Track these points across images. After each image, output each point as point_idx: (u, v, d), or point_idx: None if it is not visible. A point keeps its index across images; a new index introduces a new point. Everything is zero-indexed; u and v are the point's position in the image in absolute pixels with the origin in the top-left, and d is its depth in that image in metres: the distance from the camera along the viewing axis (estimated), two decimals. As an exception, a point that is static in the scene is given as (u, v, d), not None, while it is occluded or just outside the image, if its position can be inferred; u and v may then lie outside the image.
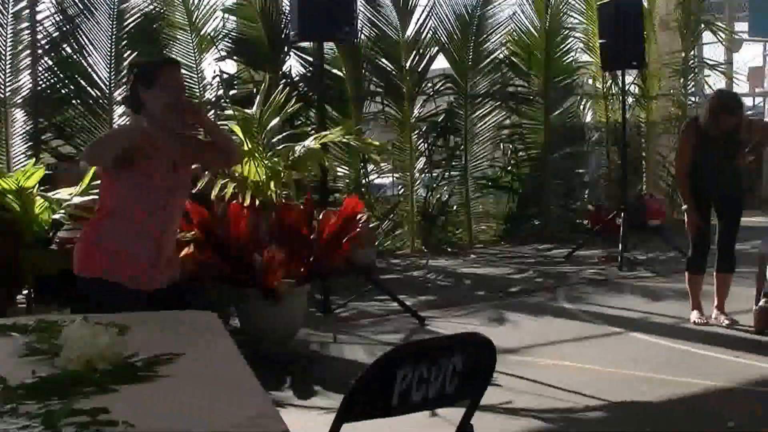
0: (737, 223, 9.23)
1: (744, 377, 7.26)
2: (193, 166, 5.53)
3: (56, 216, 8.40)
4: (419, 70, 15.07)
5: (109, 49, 12.79)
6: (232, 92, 13.71)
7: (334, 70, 14.58)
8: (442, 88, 15.51)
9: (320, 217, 9.10)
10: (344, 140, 9.72)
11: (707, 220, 9.14)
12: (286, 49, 14.17)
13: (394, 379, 3.14)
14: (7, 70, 12.21)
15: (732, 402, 6.72)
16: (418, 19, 15.04)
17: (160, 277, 5.23)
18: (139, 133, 5.11)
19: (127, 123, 5.20)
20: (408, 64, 14.92)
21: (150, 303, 5.07)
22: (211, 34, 13.69)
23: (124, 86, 5.51)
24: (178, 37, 13.53)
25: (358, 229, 9.20)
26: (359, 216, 9.34)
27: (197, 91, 13.34)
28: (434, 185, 15.42)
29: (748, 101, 21.84)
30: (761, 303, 8.75)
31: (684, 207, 9.18)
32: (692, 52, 17.59)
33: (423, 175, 15.50)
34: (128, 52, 12.79)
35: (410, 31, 14.91)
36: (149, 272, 5.18)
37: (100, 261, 5.13)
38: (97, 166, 5.36)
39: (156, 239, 5.21)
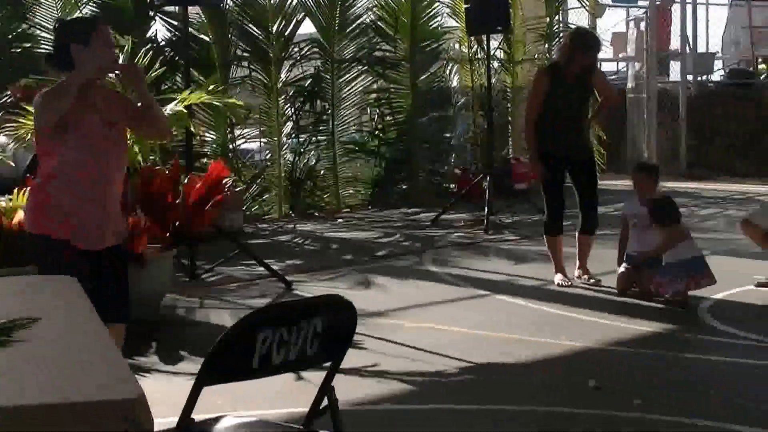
0: (595, 183, 9.36)
1: (606, 337, 7.37)
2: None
3: None
4: (286, 35, 14.96)
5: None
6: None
7: (201, 35, 14.40)
8: (308, 53, 15.42)
9: (186, 182, 8.98)
10: (209, 101, 9.60)
11: (561, 180, 9.23)
12: (151, 13, 13.94)
13: (255, 341, 3.10)
14: None
15: (594, 362, 6.82)
16: (285, -16, 14.91)
17: (107, 236, 5.22)
18: (74, 94, 5.04)
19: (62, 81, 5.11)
20: (275, 29, 14.79)
21: (98, 261, 5.13)
22: (75, -3, 13.40)
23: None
24: (42, 0, 13.20)
25: (223, 194, 9.11)
26: (225, 180, 9.25)
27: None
28: (301, 150, 15.35)
29: (611, 67, 22.17)
30: (624, 265, 8.90)
31: (530, 156, 9.28)
32: (557, 18, 17.78)
33: (290, 140, 15.41)
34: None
35: (277, -5, 14.78)
36: (96, 231, 5.17)
37: (47, 221, 5.13)
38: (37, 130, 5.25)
39: (99, 198, 5.18)
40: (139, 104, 5.38)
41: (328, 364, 3.52)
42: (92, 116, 5.17)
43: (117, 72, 5.52)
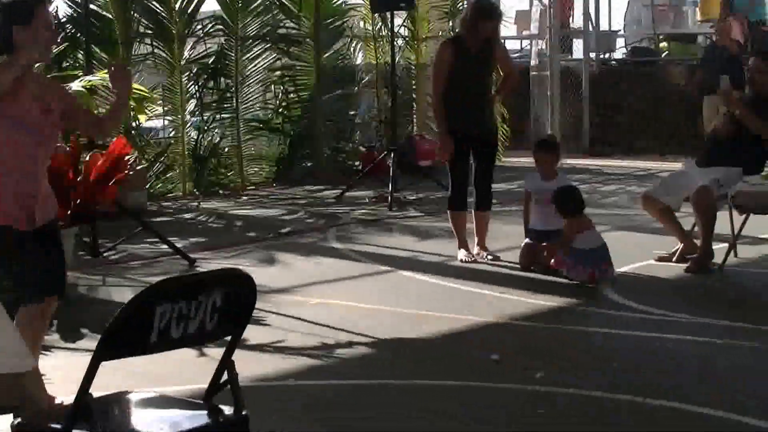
0: (493, 159, 9.45)
1: (509, 312, 7.44)
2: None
3: None
4: (189, 11, 14.82)
5: None
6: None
7: (103, 12, 14.22)
8: (212, 30, 15.31)
9: (87, 159, 8.88)
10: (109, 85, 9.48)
11: (466, 156, 9.30)
12: (52, -11, 13.75)
13: (153, 316, 3.09)
14: None
15: (497, 336, 6.89)
16: (188, -40, 14.77)
17: (39, 215, 5.16)
18: (16, 74, 4.98)
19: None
20: (178, 6, 14.64)
21: (33, 241, 5.12)
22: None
23: None
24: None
25: (126, 171, 9.02)
26: (127, 158, 9.16)
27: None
28: (205, 128, 15.24)
29: (515, 45, 22.33)
30: (526, 240, 8.99)
31: (438, 131, 9.32)
32: (460, -5, 17.85)
33: (194, 118, 15.29)
34: None
35: (179, -29, 14.64)
36: (29, 212, 5.11)
37: None
38: None
39: (32, 180, 5.13)
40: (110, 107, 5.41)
41: (228, 338, 3.51)
42: (28, 102, 5.10)
43: (110, 68, 5.49)
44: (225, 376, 3.53)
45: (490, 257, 9.29)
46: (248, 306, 3.43)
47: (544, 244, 8.72)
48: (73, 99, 5.49)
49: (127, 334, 3.09)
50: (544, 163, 9.12)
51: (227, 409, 3.52)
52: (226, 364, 3.48)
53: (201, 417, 3.48)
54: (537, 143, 9.52)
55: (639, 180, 15.08)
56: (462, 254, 9.33)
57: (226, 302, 3.29)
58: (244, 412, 3.49)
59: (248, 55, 15.40)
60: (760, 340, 6.39)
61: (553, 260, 8.50)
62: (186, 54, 14.97)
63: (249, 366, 6.05)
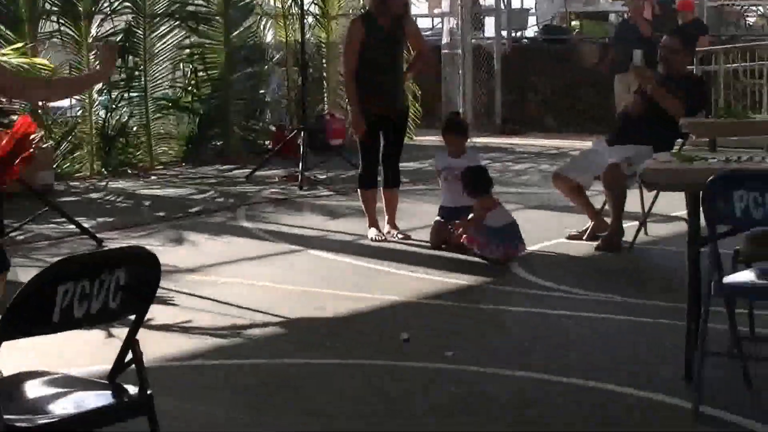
0: (403, 138, 9.48)
1: (419, 291, 7.49)
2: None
3: None
4: (96, -12, 14.66)
5: None
6: None
7: (9, -11, 14.02)
8: (119, 7, 15.13)
9: (-10, 137, 8.75)
10: (17, 63, 9.39)
11: (377, 134, 9.32)
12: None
13: (55, 294, 3.07)
14: None
15: (407, 315, 6.93)
16: (93, -66, 14.59)
17: None
18: None
19: None
20: (84, -18, 14.48)
21: None
22: None
23: None
24: None
25: (31, 150, 8.90)
26: (33, 137, 9.03)
27: None
28: (113, 106, 15.08)
29: (426, 23, 22.40)
30: (436, 218, 9.04)
31: (350, 109, 9.35)
32: (371, -27, 17.82)
33: (102, 96, 15.13)
34: None
35: (85, -54, 14.46)
36: None
37: None
38: None
39: None
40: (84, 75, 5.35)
41: (132, 317, 3.51)
42: None
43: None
44: (130, 356, 3.52)
45: (400, 236, 9.33)
46: (152, 284, 3.42)
47: (456, 221, 8.78)
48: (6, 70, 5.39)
49: (29, 314, 3.07)
50: (453, 142, 9.19)
51: (132, 389, 3.52)
52: (131, 343, 3.47)
53: (105, 396, 3.47)
54: (445, 124, 9.57)
55: (551, 159, 15.21)
56: (372, 233, 9.37)
57: (130, 280, 3.28)
58: (148, 392, 3.49)
59: (156, 32, 15.25)
60: (666, 317, 6.50)
61: (464, 238, 8.56)
62: (93, 32, 14.79)
63: (157, 346, 6.04)
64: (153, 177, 14.09)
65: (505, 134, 18.89)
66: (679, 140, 9.19)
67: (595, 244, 8.85)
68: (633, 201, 8.99)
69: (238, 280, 7.95)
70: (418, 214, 10.12)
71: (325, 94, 17.48)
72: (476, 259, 8.42)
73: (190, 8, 15.80)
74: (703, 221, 4.95)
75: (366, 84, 9.16)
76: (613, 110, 13.15)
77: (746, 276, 5.04)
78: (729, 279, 4.93)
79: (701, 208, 4.91)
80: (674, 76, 9.04)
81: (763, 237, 5.36)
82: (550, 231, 9.49)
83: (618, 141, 9.03)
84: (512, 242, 8.43)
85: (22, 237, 9.61)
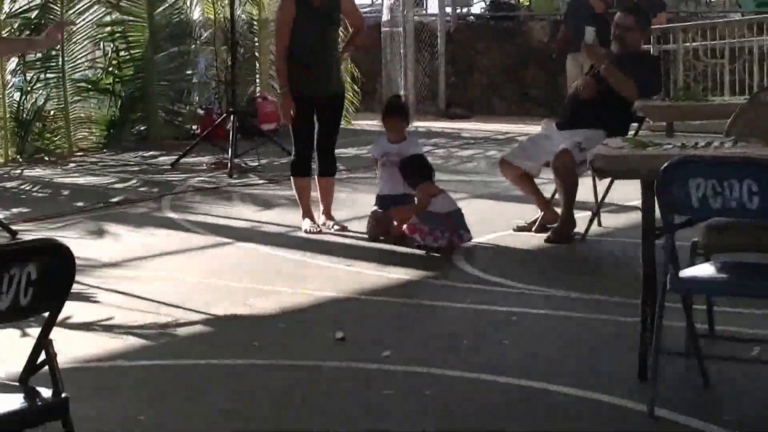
0: (338, 122, 9.49)
1: (355, 286, 7.49)
2: None
3: None
4: (9, -39, 14.52)
5: None
6: None
7: None
8: (34, -20, 15.03)
9: None
10: None
11: (311, 117, 9.31)
12: None
13: (-40, 290, 3.05)
14: None
15: (342, 312, 6.93)
16: None
17: None
18: None
19: None
20: (-4, -45, 14.35)
21: None
22: None
23: None
24: None
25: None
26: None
27: None
28: (29, 89, 14.96)
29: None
30: (374, 208, 9.05)
31: (280, 90, 9.33)
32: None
33: (15, 78, 15.01)
34: None
35: None
36: None
37: None
38: None
39: None
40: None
41: (46, 315, 3.48)
42: None
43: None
44: (43, 356, 3.50)
45: (336, 227, 9.33)
46: (66, 279, 3.39)
47: (394, 208, 8.79)
48: None
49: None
50: (393, 127, 9.20)
51: (46, 392, 3.49)
52: (44, 342, 3.44)
53: (15, 400, 3.45)
54: (384, 107, 9.58)
55: (498, 144, 15.29)
56: (306, 224, 9.36)
57: (42, 275, 3.25)
58: (63, 395, 3.46)
59: (75, 9, 15.14)
60: (620, 313, 6.55)
61: (405, 228, 8.57)
62: (6, 8, 14.66)
63: (76, 345, 6.01)
64: (71, 164, 14.00)
65: (449, 118, 18.95)
66: (634, 125, 9.26)
67: (544, 236, 8.89)
68: (585, 190, 9.05)
69: (163, 275, 7.92)
70: (356, 204, 10.13)
71: (257, 75, 17.46)
72: (417, 252, 8.43)
73: (111, -18, 15.70)
74: (658, 212, 4.97)
75: (298, 64, 9.14)
76: (565, 92, 13.21)
77: (704, 270, 5.08)
78: (686, 273, 4.96)
79: (656, 198, 4.93)
80: (629, 55, 9.09)
81: (724, 228, 5.38)
82: (497, 222, 9.53)
83: (569, 125, 9.07)
84: (457, 231, 8.46)
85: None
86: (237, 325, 6.66)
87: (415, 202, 8.73)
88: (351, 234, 9.21)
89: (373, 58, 17.92)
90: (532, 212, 9.29)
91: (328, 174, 9.45)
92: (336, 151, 9.54)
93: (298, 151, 9.38)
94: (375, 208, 9.06)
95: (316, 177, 9.44)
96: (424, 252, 8.42)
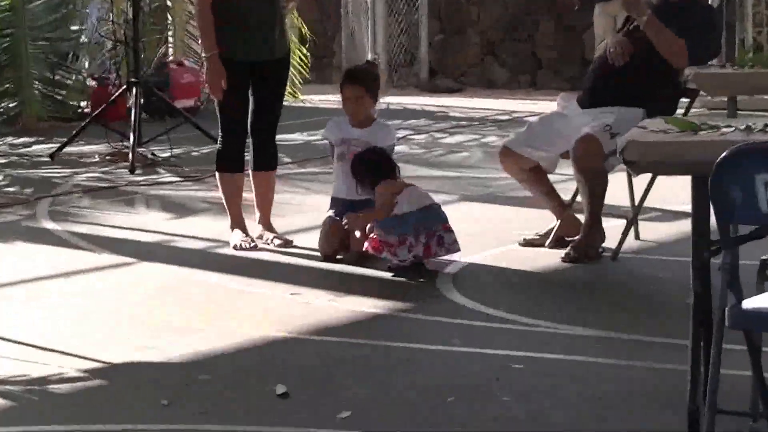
0: (281, 97, 9.47)
1: (302, 323, 7.46)
2: None
3: None
4: None
5: None
6: None
7: None
8: None
9: None
10: None
11: (245, 92, 9.32)
12: None
13: None
14: None
15: (284, 358, 6.90)
16: None
17: None
18: None
19: None
20: None
21: None
22: None
23: None
24: None
25: None
26: None
27: None
28: None
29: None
30: (329, 214, 9.04)
31: (205, 55, 9.31)
32: None
33: None
34: None
35: None
36: None
37: None
38: None
39: None
40: None
41: None
42: None
43: None
44: None
45: (277, 241, 9.33)
46: None
47: (350, 215, 8.77)
48: None
49: None
50: (355, 102, 9.18)
51: None
52: None
53: None
54: (345, 75, 9.57)
55: (499, 127, 15.33)
56: (237, 237, 9.35)
57: None
58: None
59: None
60: (662, 357, 6.54)
61: (368, 243, 8.55)
62: None
63: None
64: None
65: (433, 92, 18.96)
66: (684, 100, 9.27)
67: (562, 252, 8.90)
68: (617, 189, 9.06)
69: (37, 305, 7.91)
70: (305, 210, 10.13)
71: (170, 33, 17.42)
72: (386, 275, 8.43)
73: None
74: (714, 219, 4.95)
75: (227, 19, 9.13)
76: (590, 55, 13.24)
77: (776, 300, 5.06)
78: (751, 303, 4.94)
79: (710, 201, 4.91)
80: (677, 4, 9.09)
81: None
82: (496, 233, 9.56)
83: (594, 101, 9.06)
84: (436, 233, 8.45)
85: None
86: (139, 376, 6.63)
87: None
88: (297, 251, 9.20)
89: (330, 11, 17.90)
90: (544, 220, 9.31)
91: (266, 168, 9.44)
92: (278, 137, 9.53)
93: (227, 138, 9.37)
94: (330, 214, 9.05)
95: (250, 172, 9.43)
96: (399, 275, 8.41)
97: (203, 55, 9.50)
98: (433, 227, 8.48)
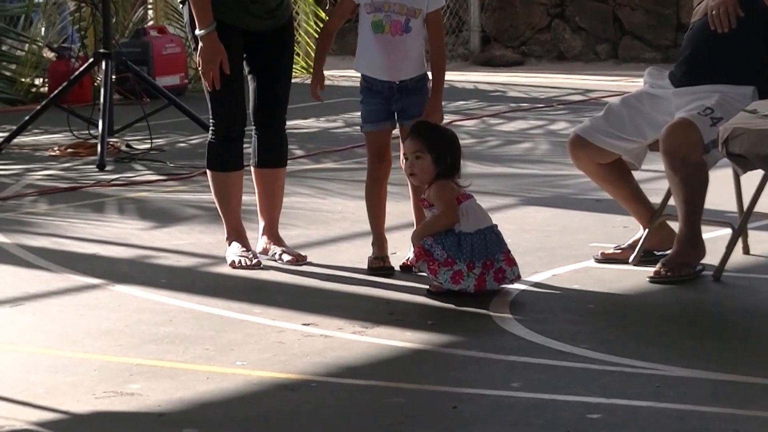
0: (286, 72, 9.49)
1: (318, 360, 7.48)
2: None
3: None
4: None
5: None
6: None
7: None
8: None
9: None
10: None
11: (239, 67, 9.39)
12: None
13: None
14: None
15: (297, 405, 6.91)
16: None
17: None
18: None
19: None
20: None
21: None
22: None
23: None
24: None
25: None
26: None
27: None
28: None
29: None
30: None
31: (199, 32, 9.32)
32: None
33: None
34: None
35: None
36: None
37: None
38: None
39: None
40: None
41: None
42: None
43: None
44: None
45: (286, 257, 9.36)
46: None
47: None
48: None
49: None
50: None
51: None
52: None
53: None
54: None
55: (573, 111, 15.34)
56: (235, 252, 9.38)
57: None
58: None
59: None
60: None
61: (411, 253, 8.60)
62: None
63: None
64: None
65: (487, 65, 18.99)
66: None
67: (650, 270, 8.92)
68: (721, 191, 9.06)
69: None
70: (321, 217, 10.16)
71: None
72: (424, 299, 8.44)
73: None
74: None
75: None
76: (685, 18, 13.25)
77: None
78: None
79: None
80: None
81: None
82: (567, 247, 9.57)
83: (692, 77, 9.07)
84: (494, 261, 8.48)
85: None
86: (106, 429, 6.66)
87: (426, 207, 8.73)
88: (312, 269, 9.23)
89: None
90: (628, 230, 9.32)
91: (274, 164, 9.47)
92: (288, 123, 9.56)
93: (220, 125, 9.40)
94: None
95: (252, 170, 9.46)
96: (436, 299, 8.43)
97: (197, 32, 9.43)
98: (494, 255, 8.50)
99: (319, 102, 9.31)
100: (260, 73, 9.36)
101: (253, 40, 9.29)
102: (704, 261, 8.92)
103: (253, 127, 9.42)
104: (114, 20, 14.40)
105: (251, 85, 9.35)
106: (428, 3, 9.01)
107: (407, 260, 8.75)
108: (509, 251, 8.57)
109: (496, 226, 8.64)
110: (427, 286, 8.53)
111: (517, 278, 8.60)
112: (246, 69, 9.35)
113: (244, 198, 9.52)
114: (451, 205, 8.58)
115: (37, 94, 15.51)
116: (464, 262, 8.44)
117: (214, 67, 9.19)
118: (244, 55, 9.33)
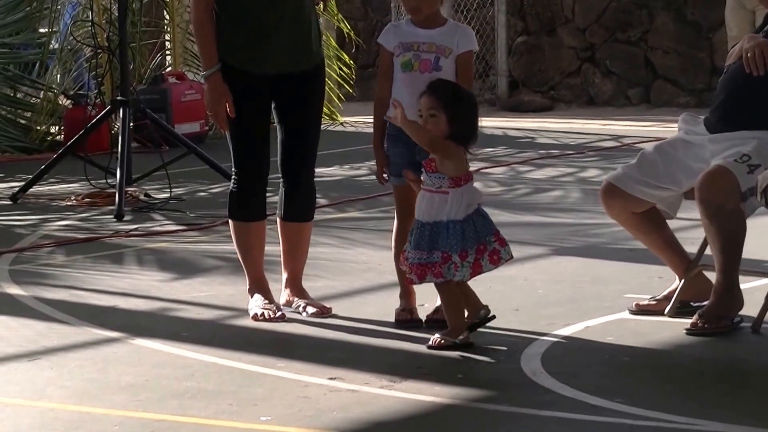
0: (315, 121, 9.48)
1: (344, 415, 7.48)
2: None
3: None
4: None
5: None
6: None
7: None
8: None
9: None
10: None
11: (264, 118, 9.38)
12: None
13: None
14: None
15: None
16: None
17: None
18: None
19: None
20: None
21: None
22: None
23: None
24: None
25: None
26: None
27: None
28: None
29: None
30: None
31: (203, 73, 9.32)
32: None
33: None
34: None
35: None
36: None
37: None
38: None
39: None
40: None
41: None
42: None
43: None
44: None
45: (310, 309, 9.35)
46: None
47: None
48: None
49: None
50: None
51: None
52: None
53: None
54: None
55: (604, 157, 15.32)
56: (257, 304, 9.37)
57: None
58: None
59: None
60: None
61: (407, 270, 8.63)
62: None
63: None
64: None
65: (515, 110, 18.99)
66: None
67: (687, 322, 8.90)
68: (760, 240, 9.04)
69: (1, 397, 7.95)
70: (347, 268, 10.15)
71: (167, 37, 17.53)
72: (452, 354, 8.44)
73: None
74: None
75: (237, 18, 9.20)
76: (719, 62, 13.24)
77: None
78: None
79: None
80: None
81: None
82: (600, 298, 9.55)
83: (728, 123, 9.07)
84: (487, 244, 8.48)
85: None
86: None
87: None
88: (337, 322, 9.23)
89: (380, 10, 17.99)
90: (663, 280, 9.31)
91: (299, 218, 9.47)
92: (315, 171, 9.58)
93: (243, 174, 9.40)
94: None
95: (278, 221, 9.46)
96: (465, 352, 8.44)
97: (201, 73, 9.46)
98: (485, 238, 8.51)
99: (381, 184, 9.36)
100: (288, 122, 9.36)
101: (281, 87, 9.28)
102: (742, 312, 8.89)
103: (281, 179, 9.41)
104: (131, 66, 14.42)
105: (279, 136, 9.34)
106: (458, 42, 9.01)
107: (434, 312, 8.74)
108: (498, 231, 8.58)
109: (480, 205, 8.63)
110: (428, 345, 8.53)
111: (511, 258, 8.61)
112: (276, 118, 9.34)
113: (268, 248, 9.51)
114: (446, 153, 8.60)
115: (53, 142, 15.53)
116: (456, 252, 8.45)
117: (220, 109, 9.20)
118: (272, 102, 9.31)
